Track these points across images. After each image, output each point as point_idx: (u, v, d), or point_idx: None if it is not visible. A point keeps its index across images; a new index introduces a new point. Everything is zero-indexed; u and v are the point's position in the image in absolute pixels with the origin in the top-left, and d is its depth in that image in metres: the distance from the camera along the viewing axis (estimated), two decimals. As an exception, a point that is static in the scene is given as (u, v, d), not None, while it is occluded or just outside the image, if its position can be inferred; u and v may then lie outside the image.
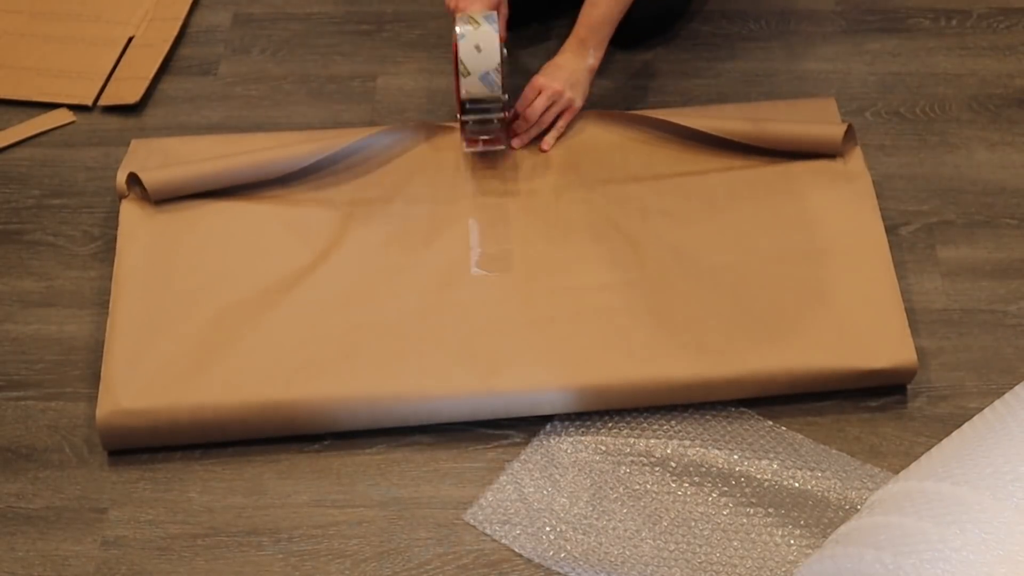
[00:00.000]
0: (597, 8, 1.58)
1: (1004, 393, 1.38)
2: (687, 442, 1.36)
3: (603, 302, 1.43)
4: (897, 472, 1.34)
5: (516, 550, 1.29)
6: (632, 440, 1.36)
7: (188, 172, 1.55)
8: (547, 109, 1.58)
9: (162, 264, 1.49)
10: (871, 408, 1.40)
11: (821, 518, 1.30)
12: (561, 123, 1.60)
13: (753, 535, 1.28)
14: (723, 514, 1.30)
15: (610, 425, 1.38)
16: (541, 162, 1.59)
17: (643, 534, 1.29)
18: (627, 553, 1.27)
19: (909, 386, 1.41)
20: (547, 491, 1.33)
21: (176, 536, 1.32)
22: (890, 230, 1.56)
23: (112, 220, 1.61)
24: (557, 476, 1.34)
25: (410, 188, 1.57)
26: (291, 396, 1.36)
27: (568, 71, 1.59)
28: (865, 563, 0.92)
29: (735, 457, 1.35)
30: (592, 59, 1.59)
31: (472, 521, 1.32)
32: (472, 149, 1.58)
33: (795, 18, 1.84)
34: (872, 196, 1.52)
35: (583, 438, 1.37)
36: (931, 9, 1.84)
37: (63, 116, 1.73)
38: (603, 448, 1.36)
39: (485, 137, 1.57)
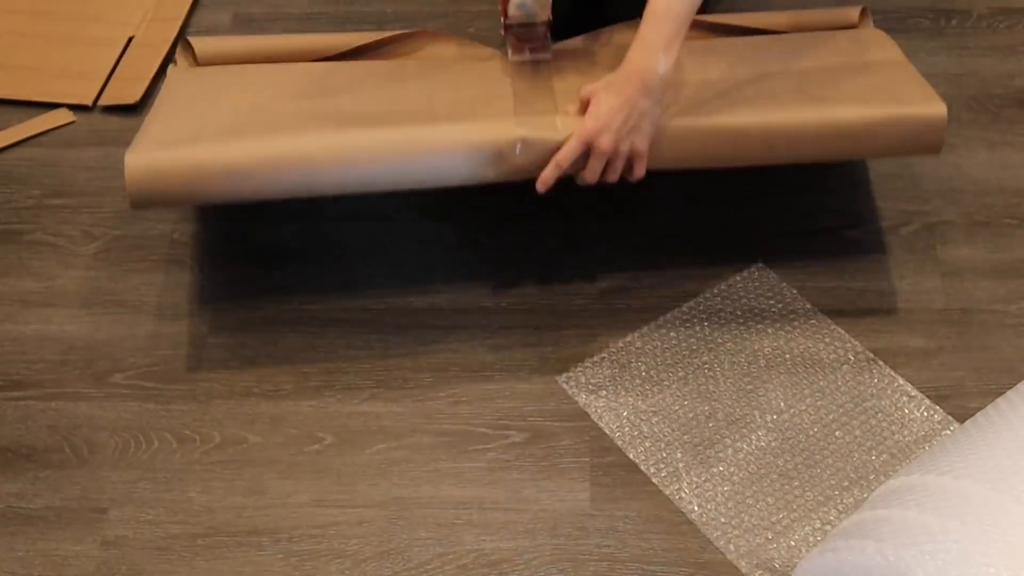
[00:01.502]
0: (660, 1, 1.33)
1: (1004, 392, 1.38)
2: (781, 341, 1.45)
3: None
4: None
5: (594, 420, 1.38)
6: (730, 334, 1.46)
7: (236, 43, 1.62)
8: (604, 171, 1.36)
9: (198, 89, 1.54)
10: (871, 408, 1.40)
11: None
12: (637, 173, 1.37)
13: (827, 451, 1.35)
14: (804, 423, 1.37)
15: (719, 326, 1.47)
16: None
17: (712, 424, 1.38)
18: (696, 440, 1.37)
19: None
20: (638, 372, 1.42)
21: (176, 536, 1.32)
22: (890, 230, 1.57)
23: (112, 220, 1.61)
24: (653, 364, 1.43)
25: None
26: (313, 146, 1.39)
27: (626, 100, 1.32)
28: (867, 555, 0.92)
29: (821, 373, 1.42)
30: (663, 65, 1.32)
31: (564, 385, 1.41)
32: (518, 58, 1.56)
33: (795, 18, 1.84)
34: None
35: (684, 340, 1.45)
36: (931, 9, 1.84)
37: (63, 116, 1.73)
38: (702, 341, 1.45)
39: (531, 45, 1.54)
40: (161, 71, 1.78)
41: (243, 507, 1.34)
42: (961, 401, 1.40)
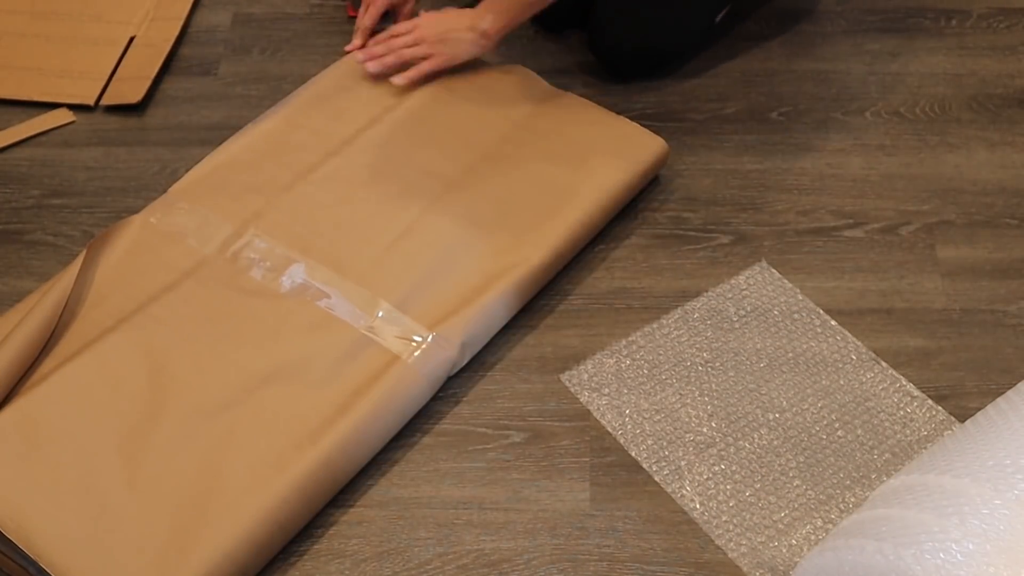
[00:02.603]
0: None
1: (1004, 392, 1.38)
2: (783, 340, 1.46)
3: (423, 237, 1.48)
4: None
5: (596, 417, 1.38)
6: (732, 332, 1.46)
7: None
8: (406, 46, 1.62)
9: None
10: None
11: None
12: (413, 72, 1.62)
13: (829, 449, 1.35)
14: (806, 422, 1.37)
15: (721, 325, 1.47)
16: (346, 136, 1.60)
17: (714, 423, 1.38)
18: (698, 439, 1.37)
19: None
20: (640, 370, 1.43)
21: (176, 535, 1.32)
22: (890, 230, 1.56)
23: (112, 220, 1.61)
24: (656, 362, 1.43)
25: (149, 284, 1.46)
26: None
27: (454, 25, 1.62)
28: (866, 554, 0.92)
29: (824, 372, 1.43)
30: (486, 24, 1.59)
31: (566, 383, 1.42)
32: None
33: (795, 18, 1.84)
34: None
35: (686, 339, 1.46)
36: (931, 9, 1.84)
37: (63, 116, 1.73)
38: (704, 340, 1.45)
39: None
40: (163, 70, 1.78)
41: (243, 507, 1.34)
42: (961, 401, 1.40)
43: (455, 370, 1.41)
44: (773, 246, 1.55)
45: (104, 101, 1.75)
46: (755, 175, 1.63)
